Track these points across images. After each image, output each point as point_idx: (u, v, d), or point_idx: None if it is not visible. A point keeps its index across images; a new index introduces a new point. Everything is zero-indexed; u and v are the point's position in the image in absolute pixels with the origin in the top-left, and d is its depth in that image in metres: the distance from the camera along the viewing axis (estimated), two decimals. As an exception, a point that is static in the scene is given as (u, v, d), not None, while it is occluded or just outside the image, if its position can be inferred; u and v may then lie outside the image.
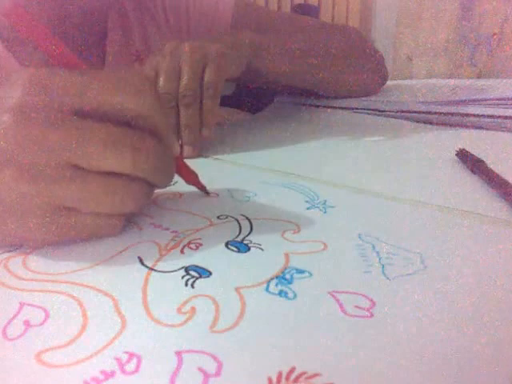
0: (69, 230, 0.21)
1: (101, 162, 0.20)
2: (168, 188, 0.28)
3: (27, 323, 0.16)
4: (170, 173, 0.24)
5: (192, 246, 0.22)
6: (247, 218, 0.25)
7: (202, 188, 0.29)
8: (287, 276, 0.19)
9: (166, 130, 0.23)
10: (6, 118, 0.19)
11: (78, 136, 0.20)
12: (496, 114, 0.46)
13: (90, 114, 0.20)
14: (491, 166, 0.31)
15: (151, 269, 0.20)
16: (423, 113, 0.51)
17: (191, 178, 0.29)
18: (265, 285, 0.19)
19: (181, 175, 0.28)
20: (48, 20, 0.46)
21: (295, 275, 0.19)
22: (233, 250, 0.22)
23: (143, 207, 0.25)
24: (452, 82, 0.68)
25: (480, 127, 0.47)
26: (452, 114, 0.49)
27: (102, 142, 0.20)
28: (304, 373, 0.14)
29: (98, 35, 0.51)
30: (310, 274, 0.19)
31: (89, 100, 0.20)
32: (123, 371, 0.14)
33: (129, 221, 0.24)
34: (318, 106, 0.61)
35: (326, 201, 0.28)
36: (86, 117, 0.20)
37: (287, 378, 0.14)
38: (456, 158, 0.35)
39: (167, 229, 0.24)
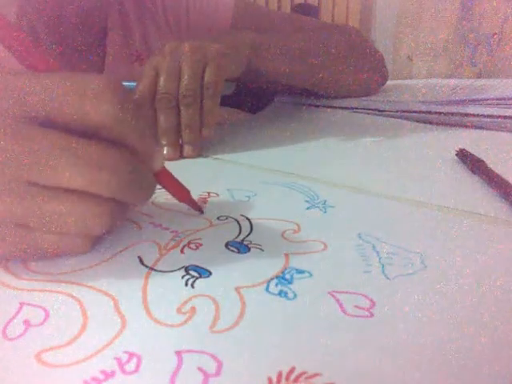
0: (26, 249, 0.19)
1: (58, 179, 0.18)
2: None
3: (27, 323, 0.16)
4: (146, 189, 0.21)
5: (192, 246, 0.22)
6: (247, 218, 0.25)
7: (196, 207, 0.26)
8: (287, 276, 0.19)
9: (140, 141, 0.20)
10: None
11: (33, 148, 0.17)
12: (496, 113, 0.46)
13: (48, 124, 0.18)
14: (491, 166, 0.31)
15: (151, 268, 0.20)
16: (423, 113, 0.51)
17: (182, 196, 0.25)
18: (265, 285, 0.19)
19: (170, 192, 0.25)
20: (48, 20, 0.46)
21: (295, 275, 0.19)
22: (233, 251, 0.22)
23: (116, 225, 0.22)
24: (452, 81, 0.68)
25: (480, 127, 0.47)
26: (452, 114, 0.49)
27: (58, 155, 0.18)
28: (304, 373, 0.14)
29: (98, 35, 0.51)
30: (310, 274, 0.19)
31: (46, 108, 0.18)
32: (123, 371, 0.14)
33: (99, 240, 0.22)
34: (318, 106, 0.61)
35: (325, 201, 0.28)
36: (44, 126, 0.18)
37: (287, 378, 0.14)
38: (456, 157, 0.35)
39: (167, 228, 0.24)
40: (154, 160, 0.22)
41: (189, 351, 0.15)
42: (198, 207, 0.26)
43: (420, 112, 0.51)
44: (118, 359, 0.15)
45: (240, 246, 0.22)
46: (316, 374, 0.14)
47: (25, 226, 0.19)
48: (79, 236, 0.20)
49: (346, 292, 0.18)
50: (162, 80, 0.38)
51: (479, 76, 1.72)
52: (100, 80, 0.19)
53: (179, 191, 0.25)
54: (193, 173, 0.36)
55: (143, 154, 0.20)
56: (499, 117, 0.46)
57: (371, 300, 0.17)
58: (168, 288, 0.19)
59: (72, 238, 0.20)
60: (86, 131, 0.19)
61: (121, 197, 0.20)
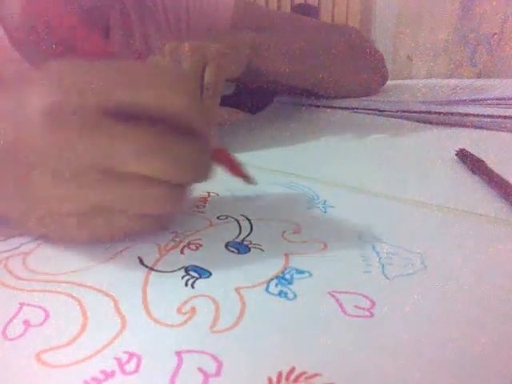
0: (105, 231, 0.21)
1: (133, 167, 0.19)
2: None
3: (27, 323, 0.16)
4: (206, 172, 0.22)
5: (192, 246, 0.22)
6: (247, 218, 0.25)
7: (247, 178, 0.27)
8: (287, 276, 0.19)
9: (204, 127, 0.21)
10: (38, 119, 0.18)
11: (113, 140, 0.19)
12: (496, 113, 0.46)
13: (125, 113, 0.19)
14: (491, 166, 0.31)
15: (151, 269, 0.20)
16: (423, 113, 0.51)
17: (236, 169, 0.26)
18: (265, 285, 0.19)
19: (225, 168, 0.26)
20: (49, 20, 0.46)
21: (295, 275, 0.19)
22: (233, 252, 0.22)
23: (180, 210, 0.23)
24: (452, 81, 0.68)
25: (480, 127, 0.47)
26: (452, 114, 0.49)
27: (137, 147, 0.19)
28: (304, 373, 0.14)
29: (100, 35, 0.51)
30: (310, 274, 0.19)
31: (124, 98, 0.19)
32: (123, 371, 0.14)
33: (167, 224, 0.24)
34: (318, 106, 0.61)
35: (325, 201, 0.28)
36: (120, 116, 0.19)
37: (287, 378, 0.14)
38: (456, 157, 0.35)
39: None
40: (212, 143, 0.23)
41: (189, 351, 0.15)
42: (249, 179, 0.27)
43: (420, 112, 0.51)
44: (118, 359, 0.15)
45: (240, 247, 0.22)
46: (316, 374, 0.14)
47: (106, 210, 0.20)
48: (153, 217, 0.22)
49: (346, 292, 0.18)
50: None
51: (479, 76, 1.71)
52: (177, 71, 0.21)
53: (234, 166, 0.26)
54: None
55: (206, 137, 0.21)
56: (499, 117, 0.46)
57: (371, 300, 0.17)
58: (168, 288, 0.19)
59: (146, 219, 0.21)
60: (157, 120, 0.19)
61: (189, 182, 0.22)
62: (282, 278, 0.19)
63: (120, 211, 0.20)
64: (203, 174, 0.22)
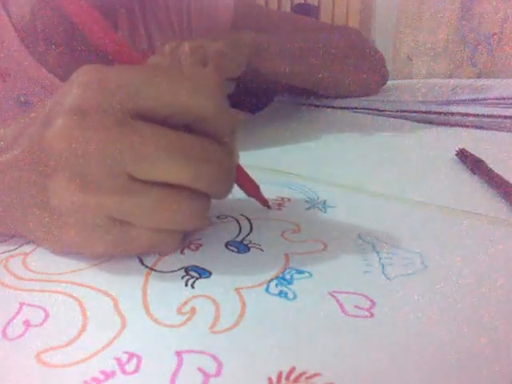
0: (123, 245, 0.20)
1: (159, 173, 0.18)
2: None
3: (27, 323, 0.16)
4: (231, 184, 0.21)
5: (192, 246, 0.22)
6: (247, 217, 0.25)
7: (264, 202, 0.26)
8: (287, 276, 0.19)
9: (229, 134, 0.20)
10: (61, 120, 0.18)
11: (137, 143, 0.17)
12: (496, 113, 0.46)
13: (149, 117, 0.18)
14: (491, 166, 0.31)
15: (151, 269, 0.20)
16: (423, 113, 0.51)
17: (253, 190, 0.26)
18: (265, 285, 0.19)
19: (242, 187, 0.25)
20: (60, 19, 0.46)
21: (295, 275, 0.19)
22: (232, 251, 0.22)
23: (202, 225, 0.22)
24: (452, 81, 0.67)
25: (480, 127, 0.47)
26: (452, 114, 0.49)
27: (163, 150, 0.18)
28: (304, 373, 0.14)
29: None
30: (310, 274, 0.19)
31: (149, 101, 0.18)
32: (123, 371, 0.14)
33: (187, 238, 0.23)
34: (318, 106, 0.61)
35: (325, 201, 0.28)
36: (145, 119, 0.18)
37: (287, 378, 0.14)
38: (456, 157, 0.35)
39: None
40: (236, 154, 0.22)
41: (189, 351, 0.15)
42: (266, 202, 0.27)
43: (420, 112, 0.51)
44: (118, 359, 0.15)
45: (240, 246, 0.22)
46: (316, 374, 0.14)
47: (123, 222, 0.19)
48: (173, 233, 0.20)
49: (346, 292, 0.18)
50: None
51: (479, 76, 1.71)
52: (206, 75, 0.19)
53: (251, 186, 0.26)
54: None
55: (230, 146, 0.20)
56: (499, 117, 0.46)
57: (371, 300, 0.17)
58: (168, 288, 0.19)
59: (166, 234, 0.20)
60: (182, 124, 0.19)
61: (213, 191, 0.20)
62: (281, 278, 0.19)
63: (139, 224, 0.19)
64: (229, 186, 0.21)
